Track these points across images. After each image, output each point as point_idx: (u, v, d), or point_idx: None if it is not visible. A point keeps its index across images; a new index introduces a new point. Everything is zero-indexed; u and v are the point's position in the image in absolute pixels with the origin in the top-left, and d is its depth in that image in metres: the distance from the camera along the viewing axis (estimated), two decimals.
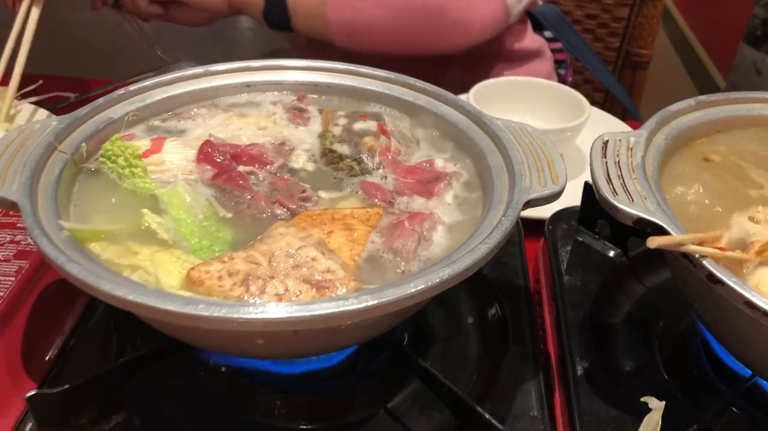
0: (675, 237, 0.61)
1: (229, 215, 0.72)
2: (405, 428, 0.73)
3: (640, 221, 0.66)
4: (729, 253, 0.64)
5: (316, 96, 0.92)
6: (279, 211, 0.73)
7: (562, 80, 1.79)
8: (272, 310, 0.55)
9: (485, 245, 0.63)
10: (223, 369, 0.76)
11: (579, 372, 0.77)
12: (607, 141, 0.76)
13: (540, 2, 1.68)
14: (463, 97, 1.23)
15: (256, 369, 0.77)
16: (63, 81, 1.34)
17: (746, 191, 0.78)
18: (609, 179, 0.70)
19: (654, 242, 0.60)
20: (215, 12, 1.36)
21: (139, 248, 0.67)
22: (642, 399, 0.67)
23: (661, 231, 0.65)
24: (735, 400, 0.75)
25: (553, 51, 1.76)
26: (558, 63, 1.78)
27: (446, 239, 0.72)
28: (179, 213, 0.70)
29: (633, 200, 0.68)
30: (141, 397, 0.73)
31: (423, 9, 1.29)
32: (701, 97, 0.85)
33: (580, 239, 0.96)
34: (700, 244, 0.64)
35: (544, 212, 0.97)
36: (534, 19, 1.66)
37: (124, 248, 0.67)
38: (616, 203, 0.67)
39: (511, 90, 1.28)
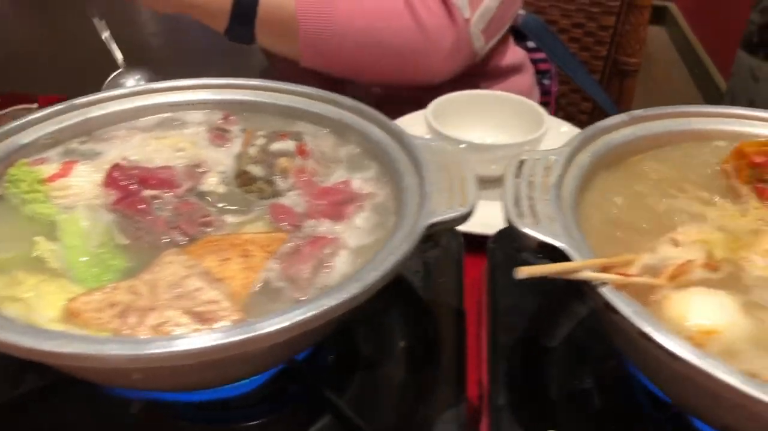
0: (554, 266, 0.57)
1: (126, 241, 0.70)
2: None
3: (543, 245, 0.63)
4: (634, 279, 0.60)
5: (245, 115, 0.90)
6: (179, 237, 0.71)
7: (546, 91, 1.75)
8: (130, 347, 0.53)
9: (375, 273, 0.60)
10: (131, 398, 0.74)
11: (501, 401, 0.74)
12: (524, 161, 0.72)
13: (523, 13, 1.65)
14: (421, 112, 1.21)
15: (166, 398, 0.74)
16: (19, 98, 1.32)
17: (676, 211, 0.74)
18: (517, 201, 0.67)
19: (523, 272, 0.55)
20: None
21: (26, 277, 0.64)
22: None
23: (565, 256, 0.61)
24: (664, 427, 0.71)
25: (538, 61, 1.72)
26: (542, 73, 1.74)
27: (349, 264, 0.68)
28: (73, 240, 0.68)
29: (539, 223, 0.64)
30: None
31: (395, 54, 1.28)
32: (636, 112, 0.81)
33: (524, 258, 0.93)
34: (605, 269, 0.60)
35: (492, 228, 0.94)
36: (516, 30, 1.62)
37: (10, 278, 0.65)
38: (518, 226, 0.64)
39: (472, 104, 1.25)
